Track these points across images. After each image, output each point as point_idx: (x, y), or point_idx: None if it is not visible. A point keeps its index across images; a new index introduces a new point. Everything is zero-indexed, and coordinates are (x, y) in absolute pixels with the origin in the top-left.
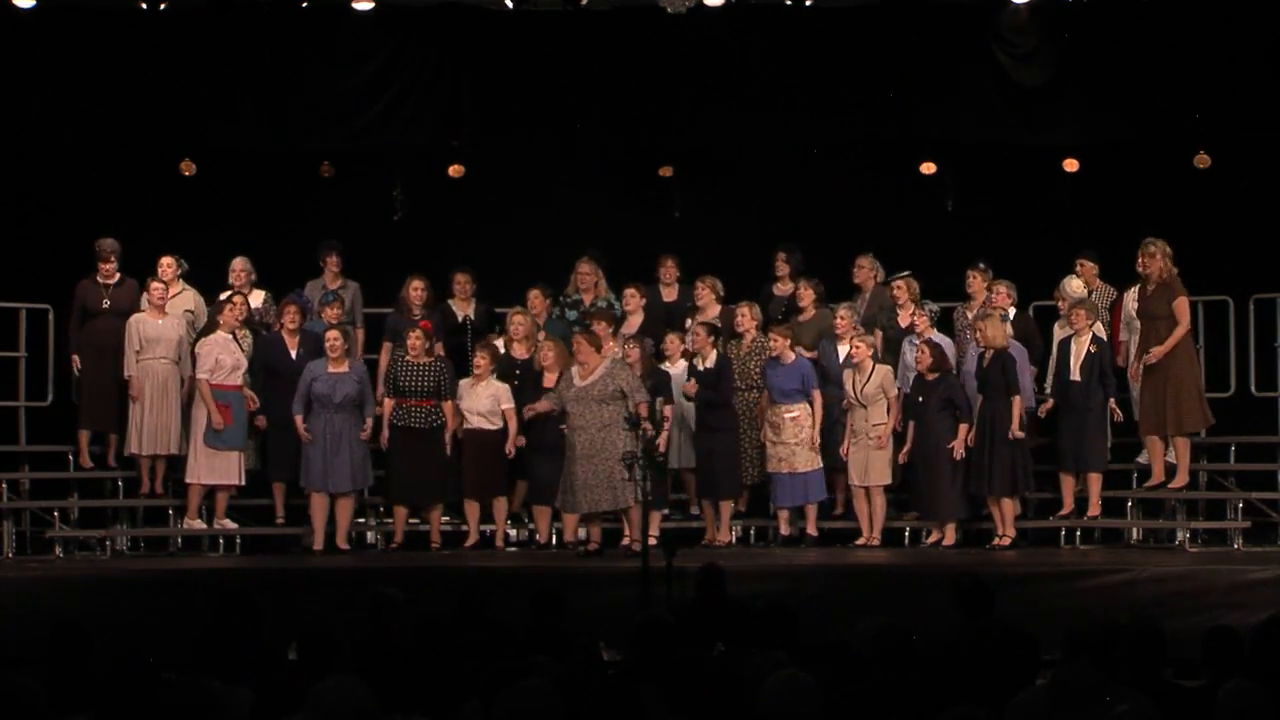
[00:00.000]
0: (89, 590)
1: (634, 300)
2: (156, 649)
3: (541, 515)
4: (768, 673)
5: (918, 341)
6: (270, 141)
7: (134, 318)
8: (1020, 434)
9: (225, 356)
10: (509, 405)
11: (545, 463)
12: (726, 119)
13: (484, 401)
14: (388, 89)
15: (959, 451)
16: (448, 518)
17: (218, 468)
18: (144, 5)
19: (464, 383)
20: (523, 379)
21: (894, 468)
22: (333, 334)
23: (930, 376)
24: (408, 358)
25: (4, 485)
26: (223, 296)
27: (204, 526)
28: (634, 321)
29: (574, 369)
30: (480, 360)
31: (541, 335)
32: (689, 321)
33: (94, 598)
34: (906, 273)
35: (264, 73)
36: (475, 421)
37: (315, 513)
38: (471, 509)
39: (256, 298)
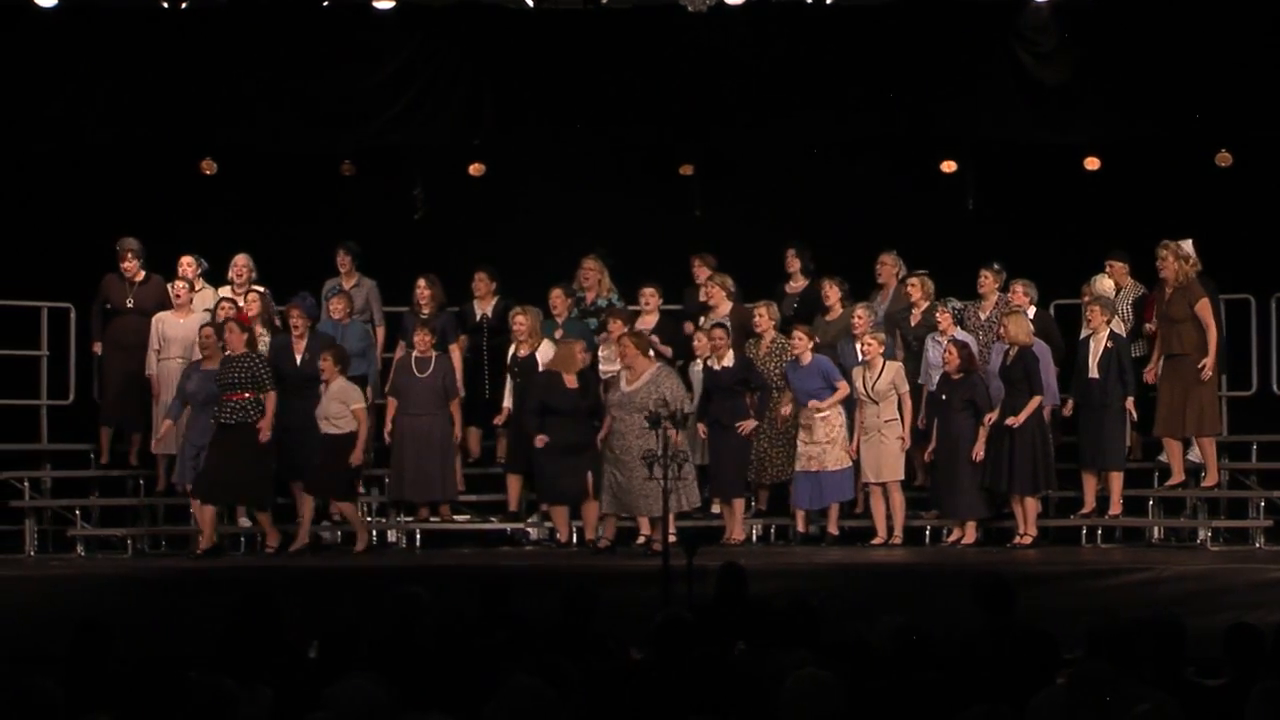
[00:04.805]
0: (111, 589)
1: (653, 300)
2: (178, 648)
3: (559, 514)
4: (789, 671)
5: (943, 341)
6: (291, 140)
7: (158, 316)
8: (1015, 422)
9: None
10: (359, 405)
11: (555, 462)
12: (747, 117)
13: (333, 406)
14: (408, 87)
15: (978, 453)
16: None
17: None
18: (165, 4)
19: (322, 388)
20: (524, 377)
21: (910, 464)
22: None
23: (956, 376)
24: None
25: (26, 483)
26: (222, 292)
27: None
28: (648, 320)
29: (621, 372)
30: (324, 363)
31: (558, 334)
32: (701, 320)
33: (116, 596)
34: (923, 272)
35: (285, 71)
36: (324, 427)
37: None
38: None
39: (253, 299)
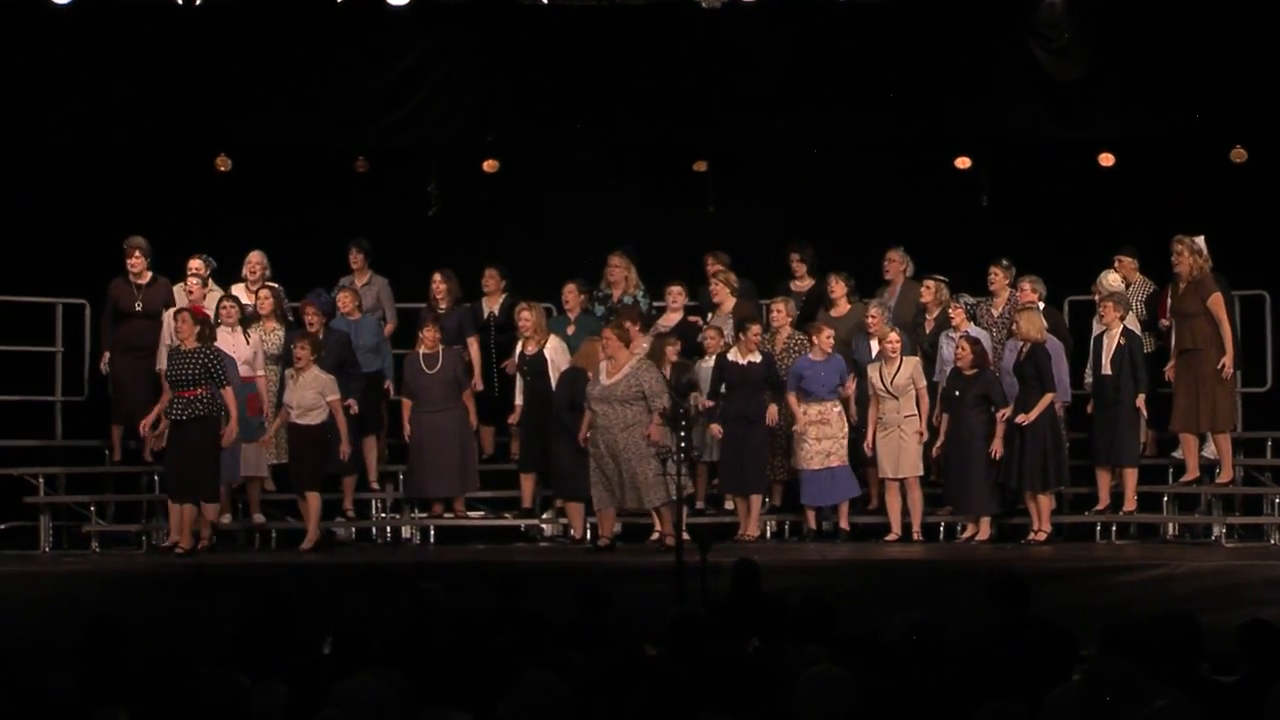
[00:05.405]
0: (125, 585)
1: (680, 297)
2: (192, 644)
3: (574, 511)
4: (802, 667)
5: (956, 337)
6: (305, 137)
7: (169, 312)
8: (1025, 419)
9: None
10: (335, 397)
11: (572, 458)
12: (760, 114)
13: (308, 395)
14: (422, 84)
15: (997, 449)
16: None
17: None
18: (179, 1)
19: (287, 372)
20: (531, 374)
21: (926, 460)
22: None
23: (969, 372)
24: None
25: (40, 480)
26: (236, 290)
27: (230, 520)
28: (672, 318)
29: (601, 365)
30: (300, 351)
31: (569, 330)
32: (709, 316)
33: (130, 592)
34: (943, 278)
35: (299, 68)
36: (294, 416)
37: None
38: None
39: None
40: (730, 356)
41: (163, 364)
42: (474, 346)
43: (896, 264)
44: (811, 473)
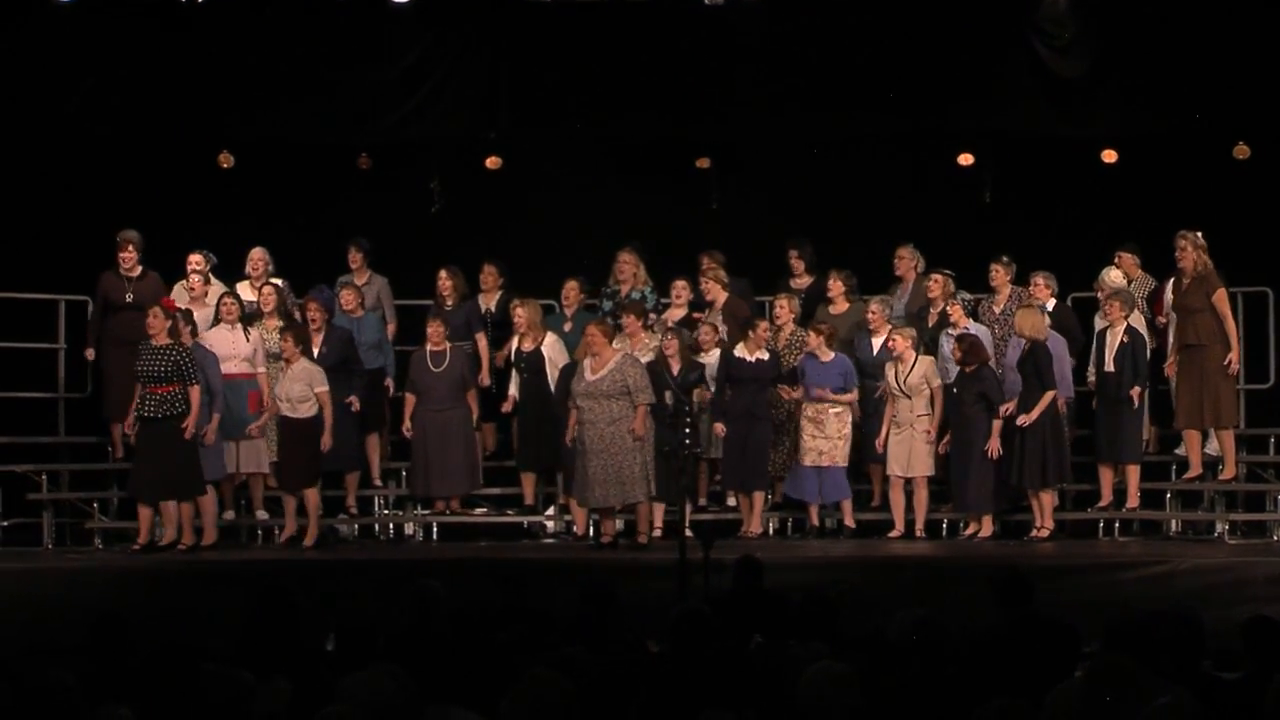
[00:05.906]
0: (128, 582)
1: (684, 293)
2: (195, 640)
3: (579, 508)
4: (806, 664)
5: (953, 334)
6: (307, 134)
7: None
8: (1025, 420)
9: (217, 348)
10: (323, 389)
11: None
12: (762, 110)
13: (296, 388)
14: (425, 81)
15: (994, 448)
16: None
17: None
18: None
19: (278, 365)
20: (528, 371)
21: (934, 459)
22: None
23: (968, 369)
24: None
25: (43, 476)
26: (240, 288)
27: (233, 516)
28: (676, 313)
29: (586, 361)
30: (284, 343)
31: (566, 326)
32: (705, 313)
33: (133, 589)
34: (949, 272)
35: (301, 65)
36: (283, 409)
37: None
38: (289, 501)
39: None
40: (737, 353)
41: None
42: (482, 342)
43: (907, 261)
44: (805, 469)
